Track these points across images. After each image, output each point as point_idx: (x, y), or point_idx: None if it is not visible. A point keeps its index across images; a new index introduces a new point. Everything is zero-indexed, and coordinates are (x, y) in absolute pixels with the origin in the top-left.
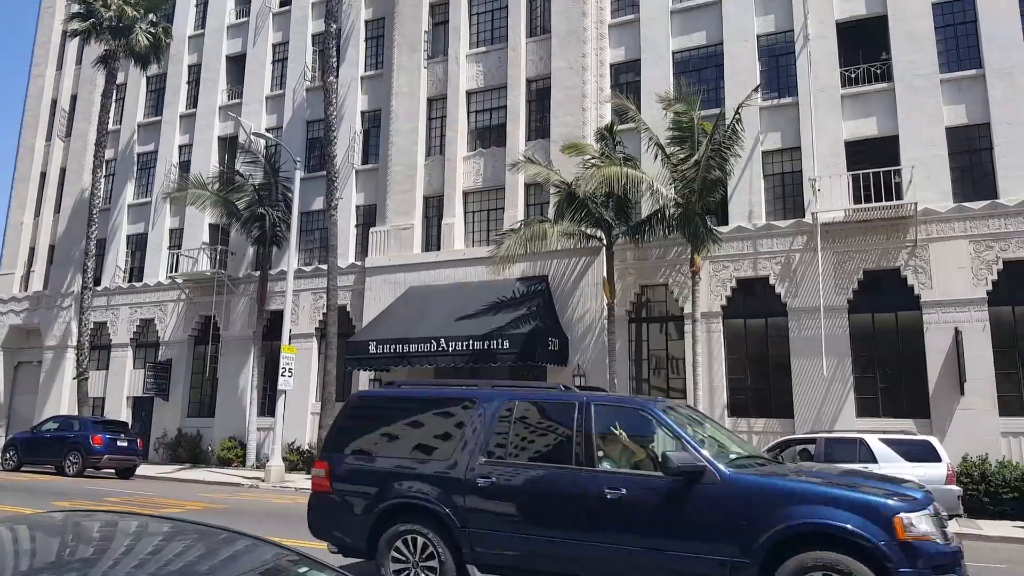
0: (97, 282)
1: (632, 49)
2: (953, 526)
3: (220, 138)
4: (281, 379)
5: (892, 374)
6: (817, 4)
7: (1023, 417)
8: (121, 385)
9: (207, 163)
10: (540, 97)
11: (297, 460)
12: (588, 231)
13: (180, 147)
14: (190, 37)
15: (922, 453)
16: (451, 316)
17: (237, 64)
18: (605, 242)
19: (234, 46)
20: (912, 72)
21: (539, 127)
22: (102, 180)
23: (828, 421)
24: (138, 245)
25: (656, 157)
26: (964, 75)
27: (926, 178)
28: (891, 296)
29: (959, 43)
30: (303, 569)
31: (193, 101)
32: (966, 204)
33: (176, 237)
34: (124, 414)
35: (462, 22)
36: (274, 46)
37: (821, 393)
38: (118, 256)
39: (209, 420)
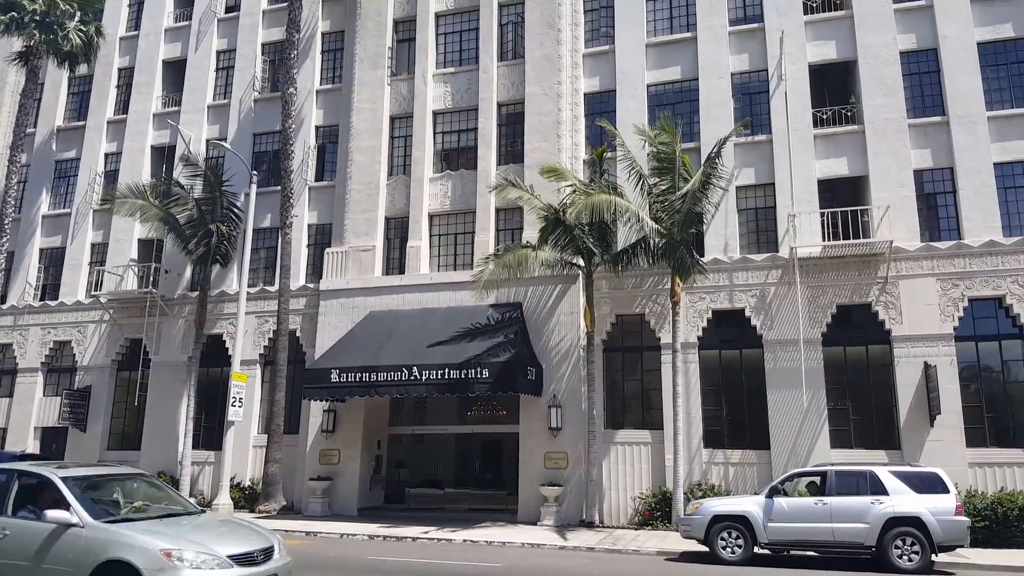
0: (3, 299)
1: (607, 80)
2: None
3: (154, 147)
4: (231, 409)
5: (864, 406)
6: (790, 46)
7: (988, 448)
8: (28, 414)
9: (138, 173)
10: (512, 121)
11: (239, 497)
12: (569, 258)
13: (107, 155)
14: (121, 38)
15: (931, 485)
16: (420, 343)
17: (175, 70)
18: (585, 270)
19: (172, 50)
20: (881, 116)
21: (511, 151)
22: (15, 187)
23: (803, 452)
24: (53, 260)
25: (636, 186)
26: (930, 121)
27: (895, 218)
28: (863, 330)
29: (924, 91)
30: None
31: (123, 107)
32: (933, 244)
33: (99, 252)
34: (31, 447)
35: (429, 41)
36: (219, 53)
37: (796, 425)
38: (28, 271)
39: (134, 453)
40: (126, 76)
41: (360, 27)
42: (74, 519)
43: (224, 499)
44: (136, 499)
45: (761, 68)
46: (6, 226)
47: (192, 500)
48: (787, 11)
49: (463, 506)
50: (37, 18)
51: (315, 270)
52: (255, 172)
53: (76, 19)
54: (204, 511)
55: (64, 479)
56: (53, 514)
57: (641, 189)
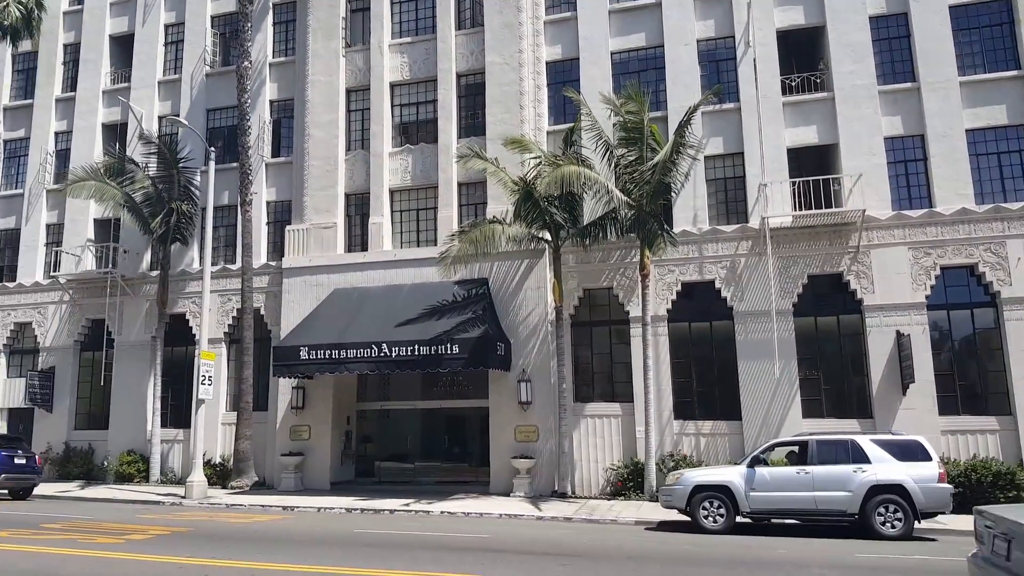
0: None
1: (569, 47)
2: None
3: (105, 125)
4: (201, 388)
5: (836, 376)
6: (757, 12)
7: (961, 416)
8: None
9: (90, 152)
10: (472, 92)
11: (211, 474)
12: (536, 232)
13: (57, 134)
14: (65, 13)
15: (912, 453)
16: (388, 320)
17: (122, 45)
18: (552, 244)
19: (119, 25)
20: (851, 83)
21: (471, 124)
22: None
23: (775, 423)
24: (8, 241)
25: (603, 157)
26: (900, 87)
27: (866, 186)
28: (834, 300)
29: (894, 56)
30: None
31: (71, 84)
32: (905, 212)
33: (55, 233)
34: None
35: (384, 10)
36: (167, 26)
37: (768, 395)
38: None
39: (102, 433)
40: (72, 52)
41: None
42: None
43: (197, 476)
44: None
45: (728, 35)
46: None
47: None
48: None
49: (432, 479)
50: None
51: (276, 248)
52: (212, 148)
53: None
54: None
55: None
56: None
57: (608, 160)
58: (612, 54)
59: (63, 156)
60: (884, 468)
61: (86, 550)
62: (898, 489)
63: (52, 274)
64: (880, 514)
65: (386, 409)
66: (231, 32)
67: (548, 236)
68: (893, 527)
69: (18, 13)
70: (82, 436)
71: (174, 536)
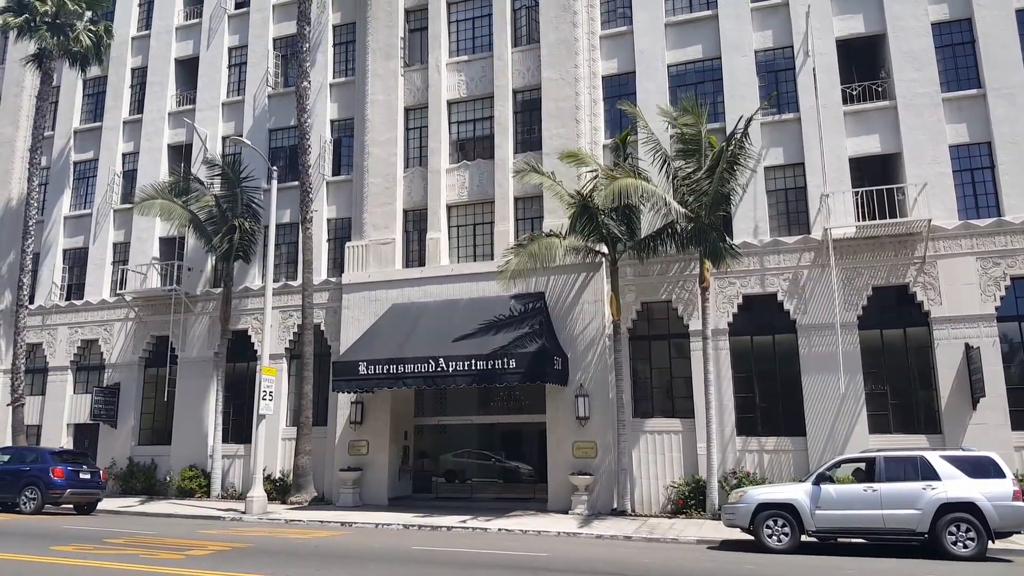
0: (31, 300)
1: (625, 62)
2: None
3: (171, 146)
4: (262, 403)
5: (903, 390)
6: (816, 21)
7: None
8: (60, 411)
9: (156, 172)
10: (528, 108)
11: (270, 490)
12: (594, 246)
13: (124, 155)
14: (133, 38)
15: (985, 469)
16: (445, 335)
17: (187, 68)
18: (610, 257)
19: (184, 49)
20: (913, 91)
21: (528, 139)
22: (36, 189)
23: (841, 439)
24: (76, 260)
25: (661, 170)
26: (965, 94)
27: (931, 195)
28: (900, 312)
29: (958, 63)
30: None
31: (138, 106)
32: (972, 221)
33: (121, 251)
34: (64, 442)
35: (442, 29)
36: (230, 49)
37: (833, 410)
38: (54, 272)
39: (164, 448)
40: (140, 76)
41: (371, 18)
42: None
43: (258, 491)
44: None
45: (786, 44)
46: (30, 228)
47: None
48: None
49: (489, 495)
50: (48, 19)
51: (336, 264)
52: (274, 167)
53: (86, 19)
54: None
55: None
56: None
57: (665, 173)
58: (668, 67)
59: (130, 177)
60: (955, 485)
61: (148, 565)
62: (970, 507)
63: (118, 292)
64: (951, 533)
65: (443, 424)
66: (292, 54)
67: (605, 249)
68: (965, 547)
69: (88, 40)
70: (145, 451)
71: (234, 552)
